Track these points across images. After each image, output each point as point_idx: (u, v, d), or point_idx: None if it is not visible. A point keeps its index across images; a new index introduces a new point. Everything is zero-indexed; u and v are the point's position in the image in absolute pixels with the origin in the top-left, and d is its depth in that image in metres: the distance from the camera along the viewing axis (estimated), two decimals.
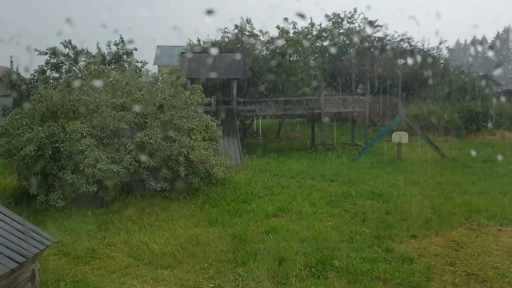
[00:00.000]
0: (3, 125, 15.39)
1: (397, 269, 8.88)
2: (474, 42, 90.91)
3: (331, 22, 36.98)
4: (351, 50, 37.10)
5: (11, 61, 33.46)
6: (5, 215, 6.68)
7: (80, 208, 13.14)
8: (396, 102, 30.30)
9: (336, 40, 37.10)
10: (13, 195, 14.69)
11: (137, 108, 14.73)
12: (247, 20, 31.00)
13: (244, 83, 28.58)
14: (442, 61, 39.13)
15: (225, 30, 31.39)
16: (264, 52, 30.27)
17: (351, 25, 37.34)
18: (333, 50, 36.24)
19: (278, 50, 28.96)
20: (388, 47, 36.54)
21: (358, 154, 22.40)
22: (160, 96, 15.49)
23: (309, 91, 30.70)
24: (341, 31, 37.06)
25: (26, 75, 27.40)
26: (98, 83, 15.71)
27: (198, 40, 31.88)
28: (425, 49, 38.37)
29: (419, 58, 34.54)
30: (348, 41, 37.34)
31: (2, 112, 24.80)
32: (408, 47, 37.94)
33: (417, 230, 11.29)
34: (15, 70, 30.20)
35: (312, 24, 34.24)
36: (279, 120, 31.62)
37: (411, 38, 38.22)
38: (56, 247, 9.89)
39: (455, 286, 8.29)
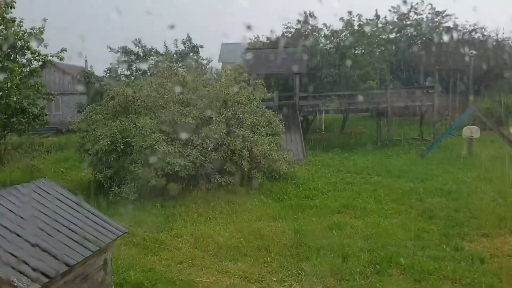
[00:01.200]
0: (78, 121, 16.39)
1: (467, 269, 8.51)
2: None
3: (396, 13, 35.77)
4: (418, 42, 35.64)
5: (86, 61, 35.38)
6: (80, 206, 7.12)
7: (149, 200, 13.73)
8: (467, 95, 28.81)
9: (402, 32, 35.81)
10: (88, 188, 15.59)
11: (202, 104, 15.11)
12: (310, 14, 30.78)
13: (307, 78, 28.36)
14: None
15: (288, 25, 31.34)
16: (328, 46, 29.87)
17: (418, 16, 35.87)
18: (399, 42, 35.05)
19: (342, 44, 28.47)
20: (458, 37, 34.72)
21: (426, 150, 21.57)
22: (224, 92, 15.78)
23: (375, 85, 29.93)
24: (408, 22, 35.71)
25: (100, 74, 28.98)
26: (166, 80, 16.27)
27: (261, 36, 32.09)
28: (499, 39, 36.12)
29: (492, 49, 32.57)
30: (415, 33, 35.89)
31: (78, 109, 26.34)
32: (481, 37, 35.85)
33: (490, 229, 10.74)
34: (89, 69, 31.91)
35: (378, 16, 33.34)
36: (343, 115, 31.11)
37: (484, 27, 36.11)
38: (127, 237, 10.41)
39: None
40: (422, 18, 35.80)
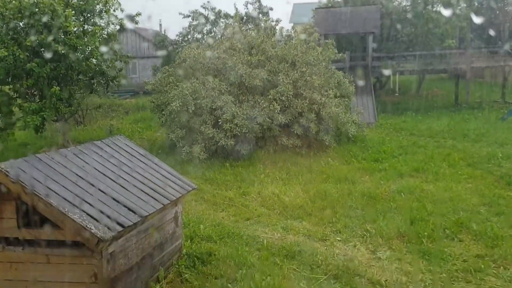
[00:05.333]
0: (153, 83, 17.04)
1: None
2: None
3: None
4: None
5: (160, 25, 36.26)
6: (154, 163, 7.50)
7: (219, 160, 14.18)
8: None
9: None
10: (162, 147, 16.35)
11: (269, 66, 15.05)
12: None
13: (381, 38, 27.15)
14: None
15: None
16: (404, 3, 28.27)
17: None
18: None
19: (418, 0, 26.81)
20: None
21: (508, 113, 20.16)
22: (293, 53, 15.59)
23: (454, 44, 28.07)
24: None
25: (173, 37, 29.65)
26: (235, 42, 16.36)
27: None
28: None
29: None
30: None
31: (154, 71, 27.26)
32: None
33: None
34: (163, 33, 32.71)
35: None
36: (419, 76, 29.64)
37: None
38: (197, 193, 10.90)
39: None
40: None
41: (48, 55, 15.49)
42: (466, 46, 25.54)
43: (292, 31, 20.62)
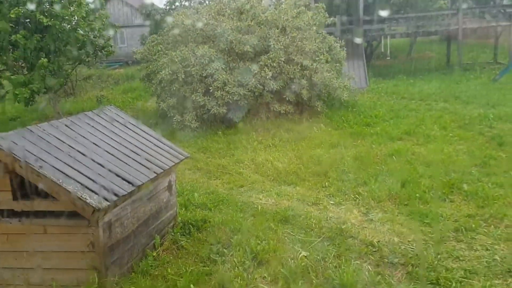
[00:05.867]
0: (141, 52, 16.79)
1: None
2: None
3: None
4: None
5: None
6: (146, 132, 7.48)
7: (211, 128, 14.18)
8: None
9: None
10: (153, 116, 16.27)
11: (260, 31, 14.85)
12: None
13: (372, 0, 26.78)
14: None
15: None
16: None
17: None
18: None
19: None
20: None
21: (499, 74, 20.19)
22: (283, 17, 15.36)
23: (446, 5, 27.76)
24: None
25: (161, 6, 29.11)
26: (224, 7, 16.05)
27: None
28: None
29: None
30: None
31: (142, 41, 26.83)
32: None
33: None
34: (150, 1, 32.08)
35: None
36: (410, 39, 29.44)
37: None
38: (190, 162, 10.93)
39: None
40: None
41: (33, 26, 15.17)
42: (458, 7, 25.25)
43: None
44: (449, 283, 5.61)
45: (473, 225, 7.12)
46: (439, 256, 6.25)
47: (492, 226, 7.19)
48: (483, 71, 22.28)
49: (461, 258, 6.26)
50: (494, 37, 25.63)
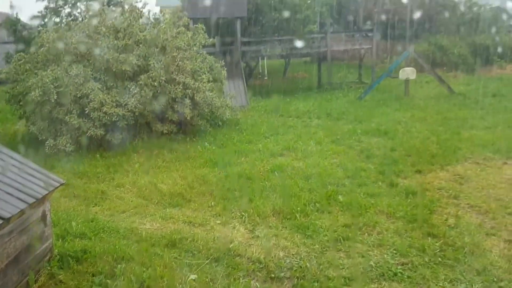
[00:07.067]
0: (7, 71, 15.36)
1: (400, 203, 9.02)
2: None
3: None
4: None
5: (11, 7, 32.81)
6: (14, 159, 6.78)
7: (89, 152, 13.35)
8: (404, 38, 29.53)
9: None
10: (23, 141, 14.86)
11: (138, 50, 14.52)
12: None
13: (249, 23, 27.79)
14: None
15: None
16: None
17: None
18: None
19: None
20: None
21: (364, 92, 22.17)
22: (162, 37, 15.20)
23: (316, 29, 29.86)
24: None
25: (27, 21, 26.98)
26: (99, 24, 15.40)
27: None
28: None
29: None
30: None
31: (6, 59, 24.55)
32: None
33: (422, 166, 11.38)
34: (15, 16, 29.61)
35: None
36: (285, 60, 31.09)
37: None
38: (67, 189, 10.15)
39: (458, 218, 8.44)
40: None
41: None
42: (326, 31, 27.32)
43: (161, 15, 20.08)
44: None
45: (350, 234, 7.62)
46: (321, 267, 6.56)
47: (366, 234, 7.77)
48: (350, 90, 24.31)
49: (340, 267, 6.65)
50: (359, 58, 28.17)
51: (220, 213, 8.85)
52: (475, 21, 32.03)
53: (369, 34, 27.20)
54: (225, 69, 17.45)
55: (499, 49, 27.49)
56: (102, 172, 11.69)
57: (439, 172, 11.00)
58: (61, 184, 7.09)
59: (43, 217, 6.75)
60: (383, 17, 31.54)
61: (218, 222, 8.46)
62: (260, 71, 28.74)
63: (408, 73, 21.41)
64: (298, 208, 8.69)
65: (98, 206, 9.63)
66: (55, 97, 13.18)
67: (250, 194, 9.64)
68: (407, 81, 21.61)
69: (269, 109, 19.70)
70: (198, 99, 14.67)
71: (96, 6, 19.78)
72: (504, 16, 34.89)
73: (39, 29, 23.63)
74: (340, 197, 9.31)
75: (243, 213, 8.70)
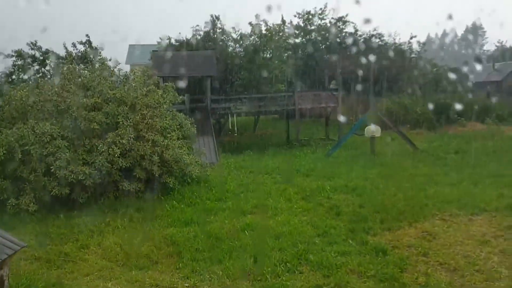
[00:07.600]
0: None
1: (371, 262, 9.00)
2: (444, 36, 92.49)
3: (302, 19, 37.25)
4: (323, 46, 37.29)
5: None
6: None
7: (52, 211, 12.88)
8: (368, 97, 30.64)
9: (308, 36, 37.28)
10: None
11: (107, 108, 14.50)
12: (216, 17, 30.90)
13: (218, 81, 28.43)
14: (414, 55, 39.84)
15: (197, 27, 31.21)
16: (237, 49, 30.19)
17: (322, 22, 37.61)
18: (305, 46, 36.40)
19: (251, 47, 28.91)
20: (359, 42, 36.88)
21: (331, 149, 22.58)
22: (132, 95, 15.28)
23: (283, 87, 30.74)
24: (313, 27, 37.27)
25: None
26: (68, 83, 15.40)
27: (170, 39, 31.60)
28: (396, 44, 38.97)
29: (390, 53, 35.03)
30: (320, 38, 37.54)
31: None
32: (379, 42, 38.40)
33: (391, 222, 11.47)
34: None
35: (284, 22, 34.25)
36: (254, 117, 31.62)
37: (381, 33, 38.79)
38: (27, 251, 9.68)
39: (428, 276, 8.45)
40: (326, 23, 37.61)
41: None
42: (294, 89, 28.12)
43: (131, 73, 20.26)
44: None
45: None
46: None
47: None
48: (318, 147, 24.73)
49: None
50: (325, 116, 28.92)
51: (188, 275, 8.60)
52: (436, 81, 33.69)
53: (334, 93, 28.13)
54: (195, 126, 17.55)
55: (459, 108, 28.69)
56: (66, 233, 11.28)
57: (408, 229, 11.09)
58: (22, 247, 6.80)
59: (1, 282, 6.39)
60: (348, 77, 32.80)
61: (186, 285, 8.20)
62: (230, 127, 29.07)
63: (373, 130, 22.02)
64: (269, 269, 8.54)
65: (61, 269, 9.22)
66: (20, 156, 12.87)
67: (219, 254, 9.45)
68: (372, 138, 22.19)
69: (239, 165, 19.73)
70: (167, 157, 14.58)
71: (65, 64, 19.87)
72: (462, 77, 36.95)
73: (5, 86, 23.46)
74: (311, 256, 9.22)
75: (212, 275, 8.47)
